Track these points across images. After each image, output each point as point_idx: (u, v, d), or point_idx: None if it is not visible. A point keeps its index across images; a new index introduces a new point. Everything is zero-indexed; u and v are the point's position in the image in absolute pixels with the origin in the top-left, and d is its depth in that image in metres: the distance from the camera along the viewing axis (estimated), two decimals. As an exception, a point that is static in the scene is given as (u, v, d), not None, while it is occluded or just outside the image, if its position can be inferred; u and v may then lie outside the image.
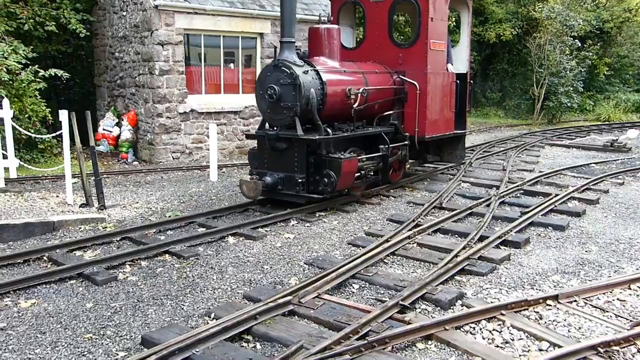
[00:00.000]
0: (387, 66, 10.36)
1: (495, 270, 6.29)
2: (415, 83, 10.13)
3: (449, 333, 4.67)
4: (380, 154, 9.60)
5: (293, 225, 8.09)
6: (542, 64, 24.06)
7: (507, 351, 4.47)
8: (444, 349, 4.52)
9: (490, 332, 4.75)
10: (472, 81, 11.50)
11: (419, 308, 5.27)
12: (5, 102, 9.97)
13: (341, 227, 8.05)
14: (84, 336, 4.71)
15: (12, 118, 10.03)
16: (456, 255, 6.46)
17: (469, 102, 11.77)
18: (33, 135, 11.82)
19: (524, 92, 28.19)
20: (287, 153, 8.57)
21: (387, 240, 7.06)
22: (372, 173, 9.52)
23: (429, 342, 4.61)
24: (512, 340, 4.63)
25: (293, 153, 8.51)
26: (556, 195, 9.53)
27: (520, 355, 4.40)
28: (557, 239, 7.54)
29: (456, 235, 7.56)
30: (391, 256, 6.73)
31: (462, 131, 11.69)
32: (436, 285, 5.62)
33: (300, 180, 8.40)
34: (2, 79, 11.84)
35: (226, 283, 5.89)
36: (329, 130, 8.60)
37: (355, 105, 9.05)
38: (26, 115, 12.51)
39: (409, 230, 7.55)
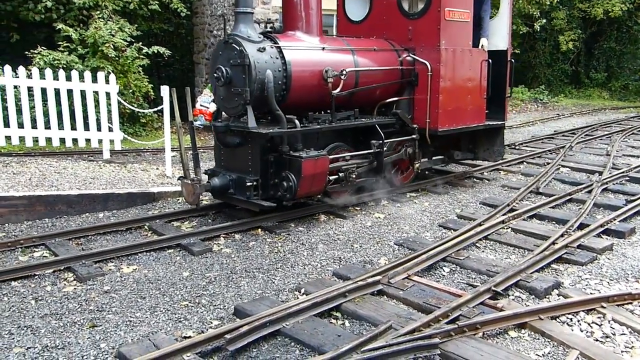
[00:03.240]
0: (396, 42, 8.51)
1: (596, 260, 5.97)
2: (426, 62, 8.17)
3: (544, 323, 4.49)
4: (372, 151, 7.77)
5: (384, 205, 8.04)
6: (656, 42, 22.43)
7: (607, 346, 4.24)
8: (538, 338, 4.36)
9: (589, 324, 4.52)
10: (512, 60, 9.37)
11: (512, 295, 5.10)
12: (112, 77, 10.52)
13: (432, 208, 7.92)
14: (181, 303, 4.92)
15: (117, 93, 10.58)
16: (554, 243, 6.19)
17: (509, 86, 9.39)
18: (136, 109, 12.42)
19: (633, 72, 26.47)
20: (242, 150, 7.00)
21: (480, 224, 6.87)
22: (353, 175, 7.55)
23: (522, 331, 4.46)
24: (614, 334, 4.38)
25: (247, 150, 6.96)
26: (666, 183, 8.90)
27: (622, 352, 4.16)
28: (667, 230, 7.05)
29: (554, 222, 7.24)
30: (484, 240, 6.55)
31: (499, 122, 9.33)
32: (531, 273, 5.42)
33: (249, 184, 6.73)
34: (110, 55, 12.49)
35: (316, 259, 5.96)
36: (296, 121, 6.89)
37: (335, 91, 7.32)
38: (130, 91, 13.15)
39: (503, 214, 7.31)
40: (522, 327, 4.49)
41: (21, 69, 10.08)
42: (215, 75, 6.92)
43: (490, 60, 8.88)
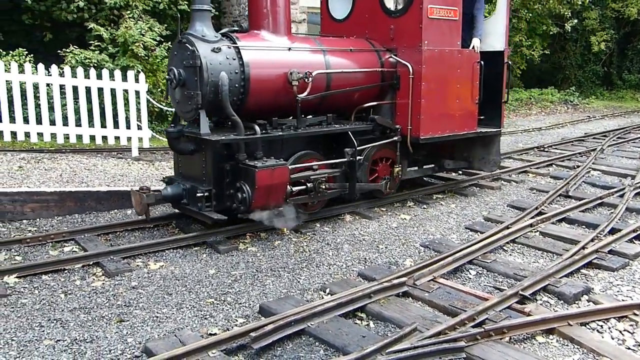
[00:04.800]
0: (378, 42, 7.81)
1: (628, 266, 5.84)
2: (408, 64, 7.44)
3: (573, 329, 4.41)
4: (345, 160, 7.12)
5: (409, 206, 8.00)
6: (692, 43, 21.92)
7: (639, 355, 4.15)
8: (567, 345, 4.28)
9: (620, 332, 4.43)
10: (509, 62, 8.56)
11: (540, 300, 5.02)
12: (142, 76, 10.65)
13: (459, 210, 7.84)
14: (207, 300, 4.95)
15: (146, 91, 10.70)
16: (583, 247, 6.07)
17: (505, 90, 8.54)
18: (164, 108, 12.54)
19: (669, 74, 25.91)
20: (196, 157, 6.55)
21: (507, 227, 6.79)
22: (323, 186, 6.91)
23: (551, 337, 4.38)
24: (646, 343, 4.30)
25: (201, 157, 6.48)
26: (702, 188, 8.67)
27: (654, 360, 4.08)
28: (702, 236, 6.86)
29: (584, 226, 7.11)
30: (511, 244, 6.46)
31: (494, 130, 8.48)
32: (560, 277, 5.33)
33: (200, 195, 6.21)
34: (139, 54, 12.64)
35: (341, 260, 5.95)
36: (256, 127, 6.36)
37: (301, 95, 6.74)
38: (159, 89, 13.28)
39: (532, 217, 7.21)
40: (550, 333, 4.42)
41: (54, 67, 10.27)
42: (167, 77, 6.52)
43: (482, 63, 8.05)
